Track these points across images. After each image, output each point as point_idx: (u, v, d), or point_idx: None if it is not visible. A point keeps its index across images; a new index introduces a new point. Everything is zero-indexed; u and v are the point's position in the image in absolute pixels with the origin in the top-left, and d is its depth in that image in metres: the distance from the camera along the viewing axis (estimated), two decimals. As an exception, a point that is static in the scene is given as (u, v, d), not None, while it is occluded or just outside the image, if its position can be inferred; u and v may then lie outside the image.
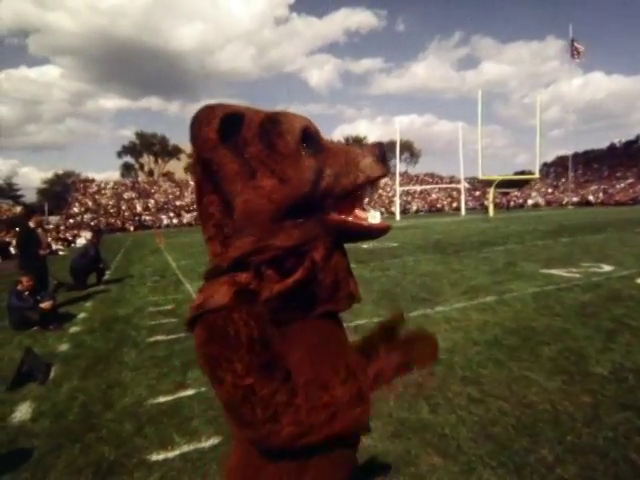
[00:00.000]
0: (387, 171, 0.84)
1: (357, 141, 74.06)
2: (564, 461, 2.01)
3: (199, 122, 0.78)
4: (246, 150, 0.77)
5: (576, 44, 38.40)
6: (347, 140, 74.99)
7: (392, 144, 40.23)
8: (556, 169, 62.52)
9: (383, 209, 44.73)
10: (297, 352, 0.81)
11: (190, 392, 3.05)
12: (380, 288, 6.13)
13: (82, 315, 5.76)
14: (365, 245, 12.51)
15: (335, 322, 0.90)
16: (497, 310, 4.65)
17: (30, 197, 60.01)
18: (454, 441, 2.22)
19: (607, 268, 6.80)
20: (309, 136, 0.79)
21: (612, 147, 62.16)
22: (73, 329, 5.06)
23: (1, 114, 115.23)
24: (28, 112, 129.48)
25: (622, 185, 48.97)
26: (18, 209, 25.14)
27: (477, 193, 52.67)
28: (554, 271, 6.77)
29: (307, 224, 0.79)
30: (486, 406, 2.56)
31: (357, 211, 0.83)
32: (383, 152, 0.83)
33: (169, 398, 2.99)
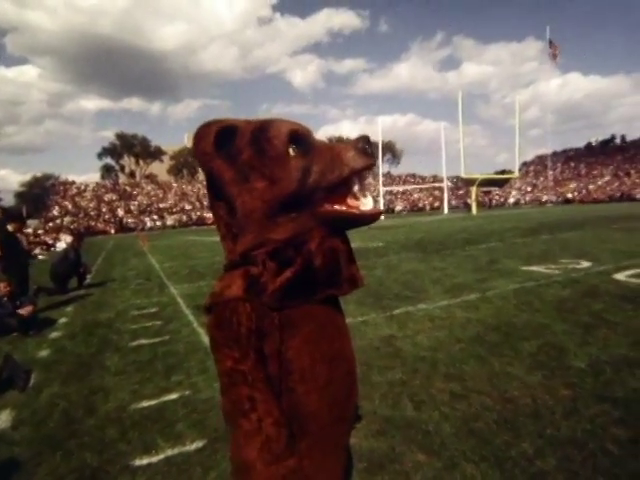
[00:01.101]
0: (371, 161, 0.89)
1: (340, 141, 74.17)
2: (544, 454, 2.06)
3: (197, 138, 0.90)
4: (239, 158, 0.88)
5: (552, 46, 39.14)
6: (330, 141, 75.13)
7: (374, 144, 40.44)
8: (535, 168, 63.71)
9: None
10: (297, 339, 0.89)
11: (174, 396, 3.02)
12: (365, 287, 6.13)
13: (63, 320, 5.65)
14: (352, 245, 12.56)
15: (335, 308, 0.99)
16: (480, 307, 4.72)
17: (8, 200, 58.59)
18: (438, 437, 2.25)
19: (585, 264, 6.96)
20: (298, 138, 0.88)
21: (589, 146, 63.67)
22: (54, 334, 4.97)
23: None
24: (5, 113, 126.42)
25: (599, 183, 50.20)
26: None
27: (460, 192, 53.34)
28: (534, 268, 6.91)
29: (301, 218, 0.87)
30: (469, 402, 2.60)
31: (349, 200, 0.90)
32: (366, 144, 0.89)
33: (153, 402, 2.96)
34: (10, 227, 5.82)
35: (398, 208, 48.28)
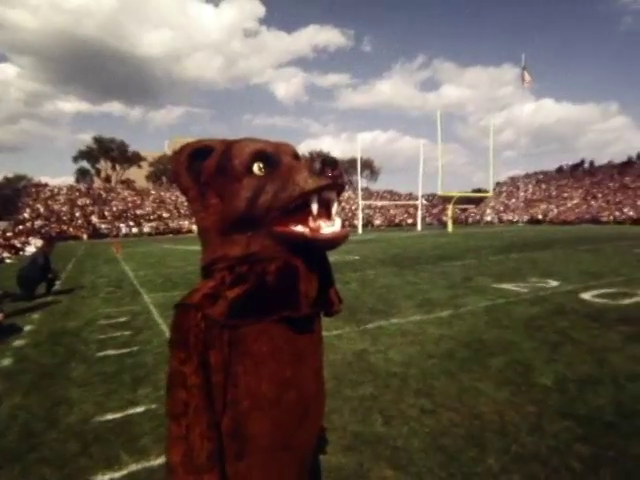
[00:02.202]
0: (325, 182, 0.85)
1: (320, 155, 74.80)
2: (509, 470, 2.10)
3: (174, 159, 0.95)
4: (201, 176, 0.92)
5: (526, 73, 40.60)
6: (311, 154, 75.77)
7: (354, 161, 40.93)
8: (508, 188, 65.51)
9: (346, 223, 45.36)
10: (246, 358, 0.89)
11: (140, 409, 2.95)
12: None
13: (28, 327, 5.45)
14: (331, 258, 12.58)
15: (301, 330, 0.95)
16: (452, 323, 4.80)
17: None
18: (406, 453, 2.27)
19: (553, 283, 7.17)
20: (264, 158, 0.89)
21: (560, 169, 65.86)
22: (17, 342, 4.78)
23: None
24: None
25: (569, 205, 51.94)
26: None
27: (435, 210, 54.30)
28: (504, 285, 7.07)
29: (256, 236, 0.88)
30: (437, 417, 2.63)
31: (310, 221, 0.88)
32: (321, 165, 0.86)
33: (118, 415, 2.88)
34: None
35: (377, 222, 48.84)
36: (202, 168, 0.92)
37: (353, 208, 47.50)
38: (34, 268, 7.46)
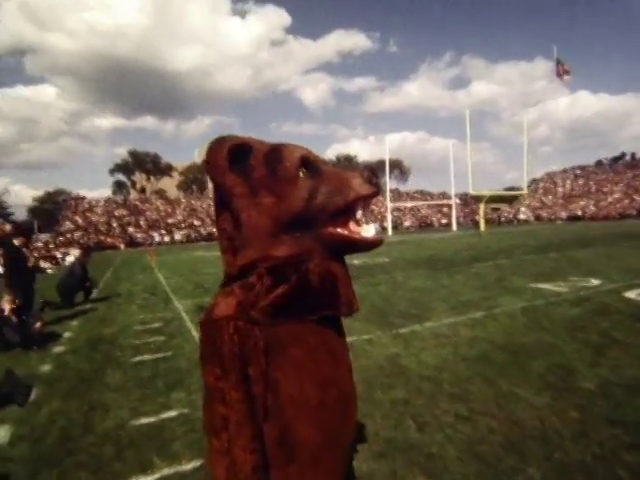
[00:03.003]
0: (377, 191, 0.93)
1: (348, 160, 74.83)
2: (551, 480, 1.98)
3: (212, 152, 0.93)
4: (252, 174, 0.91)
5: (563, 64, 39.12)
6: (338, 159, 75.76)
7: (382, 163, 40.68)
8: (544, 185, 63.44)
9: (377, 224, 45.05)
10: (285, 363, 0.89)
11: (173, 413, 2.98)
12: (370, 304, 6.09)
13: (67, 334, 5.65)
14: (356, 261, 12.51)
15: (331, 331, 0.98)
16: (486, 325, 4.64)
17: (20, 215, 59.46)
18: (441, 461, 2.18)
19: (595, 282, 6.84)
20: (308, 162, 0.93)
21: (599, 163, 63.29)
22: (57, 349, 4.96)
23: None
24: (23, 131, 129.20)
25: (609, 200, 49.78)
26: (7, 227, 24.88)
27: (468, 209, 53.13)
28: (543, 285, 6.80)
29: (304, 238, 0.89)
30: (474, 424, 2.52)
31: (352, 225, 0.94)
32: (372, 174, 0.94)
33: (151, 420, 2.91)
34: (16, 242, 5.87)
35: (406, 224, 48.19)
36: (249, 166, 0.92)
37: (382, 210, 47.02)
38: (72, 278, 7.76)
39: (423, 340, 4.25)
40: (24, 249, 6.00)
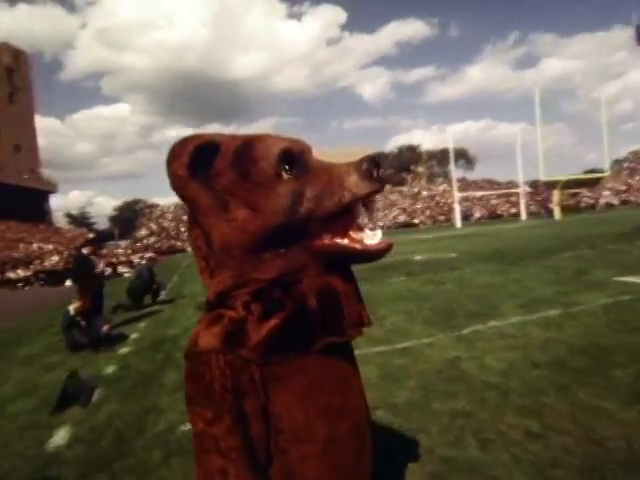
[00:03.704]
0: (377, 187, 0.73)
1: (410, 149, 73.11)
2: (646, 517, 1.64)
3: (171, 157, 0.78)
4: (217, 182, 0.75)
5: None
6: (400, 150, 74.31)
7: (446, 152, 39.24)
8: (630, 165, 57.65)
9: (442, 217, 43.47)
10: (285, 394, 0.75)
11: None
12: (433, 304, 5.73)
13: (134, 336, 5.91)
14: (418, 257, 12.07)
15: (337, 353, 0.81)
16: (562, 325, 4.15)
17: (103, 224, 64.81)
18: (505, 486, 1.90)
19: (695, 273, 5.96)
20: (291, 158, 0.75)
21: (695, 138, 56.31)
22: (123, 350, 5.18)
23: (80, 150, 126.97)
24: (103, 146, 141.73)
25: None
26: (90, 235, 27.19)
27: (539, 198, 49.57)
28: (629, 279, 6.02)
29: (291, 253, 0.74)
30: (546, 442, 2.19)
31: (351, 232, 0.76)
32: (372, 166, 0.72)
33: (200, 425, 2.88)
34: (85, 250, 6.26)
35: (476, 215, 46.01)
36: (214, 171, 0.75)
37: (449, 202, 45.22)
38: (140, 281, 8.20)
39: (487, 341, 3.89)
40: (92, 257, 6.38)
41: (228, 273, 0.76)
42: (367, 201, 0.76)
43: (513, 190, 42.87)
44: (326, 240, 0.74)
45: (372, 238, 0.76)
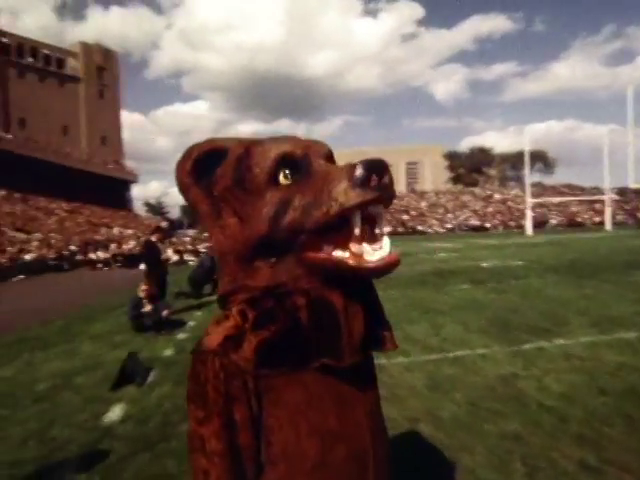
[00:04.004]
0: (371, 197, 0.64)
1: (482, 152, 69.90)
2: None
3: (178, 164, 0.79)
4: (216, 188, 0.75)
5: None
6: (472, 151, 71.30)
7: (521, 155, 37.15)
8: None
9: (512, 223, 41.15)
10: (278, 407, 0.71)
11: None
12: (493, 314, 5.43)
13: (192, 323, 6.19)
14: (485, 264, 11.52)
15: (344, 374, 0.74)
16: (639, 350, 3.75)
17: (174, 213, 68.69)
18: (552, 522, 1.73)
19: None
20: (291, 163, 0.71)
21: None
22: (181, 335, 5.44)
23: (160, 144, 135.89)
24: (180, 141, 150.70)
25: None
26: (164, 224, 28.94)
27: (628, 207, 45.23)
28: None
29: (283, 263, 0.71)
30: (602, 478, 1.97)
31: (352, 245, 0.68)
32: (369, 171, 0.63)
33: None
34: (153, 237, 6.64)
35: (552, 222, 42.97)
36: (215, 177, 0.75)
37: (521, 207, 42.70)
38: (201, 270, 8.55)
39: (550, 360, 3.60)
40: (159, 244, 6.75)
41: (227, 278, 0.76)
42: (367, 212, 0.67)
43: (597, 197, 39.56)
44: (323, 253, 0.69)
45: (372, 254, 0.68)
